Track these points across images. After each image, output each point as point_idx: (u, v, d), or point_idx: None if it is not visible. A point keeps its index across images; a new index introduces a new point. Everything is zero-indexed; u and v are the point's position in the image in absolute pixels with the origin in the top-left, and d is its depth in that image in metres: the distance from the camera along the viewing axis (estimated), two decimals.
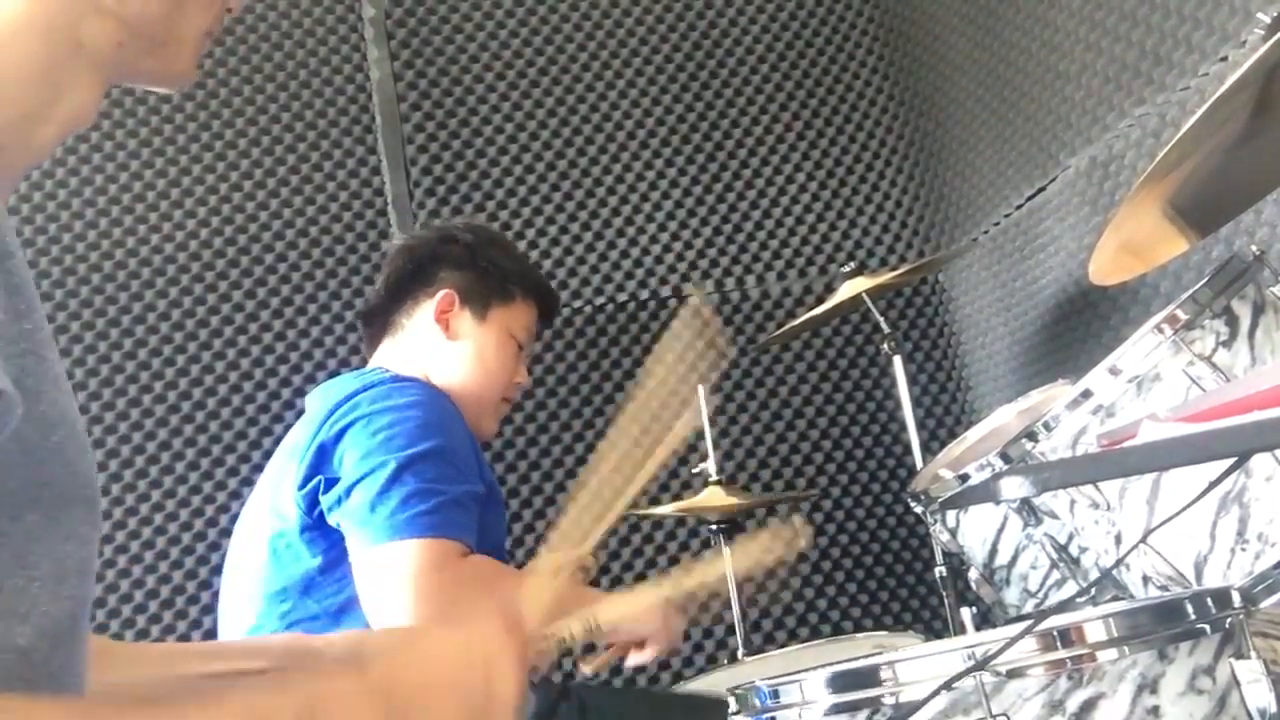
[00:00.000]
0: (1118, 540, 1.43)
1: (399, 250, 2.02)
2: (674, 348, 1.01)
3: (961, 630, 1.79)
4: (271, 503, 1.76)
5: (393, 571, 1.56)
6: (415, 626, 0.89)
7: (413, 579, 1.54)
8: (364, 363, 2.07)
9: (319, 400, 1.84)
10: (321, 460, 1.69)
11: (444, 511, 1.62)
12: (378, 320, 1.99)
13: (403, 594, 1.53)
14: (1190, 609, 1.02)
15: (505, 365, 1.94)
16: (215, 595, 1.99)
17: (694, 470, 2.28)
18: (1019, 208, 2.59)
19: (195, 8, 0.91)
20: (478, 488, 1.72)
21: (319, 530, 1.69)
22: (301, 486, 1.69)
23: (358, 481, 1.63)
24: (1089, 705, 0.98)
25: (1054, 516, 1.55)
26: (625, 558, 2.68)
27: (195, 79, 0.96)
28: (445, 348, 1.91)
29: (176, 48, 0.91)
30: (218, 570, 1.93)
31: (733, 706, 1.17)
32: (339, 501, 1.65)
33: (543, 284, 2.07)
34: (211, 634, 2.27)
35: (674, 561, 2.70)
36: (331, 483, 1.67)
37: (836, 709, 1.06)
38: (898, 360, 2.33)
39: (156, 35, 0.89)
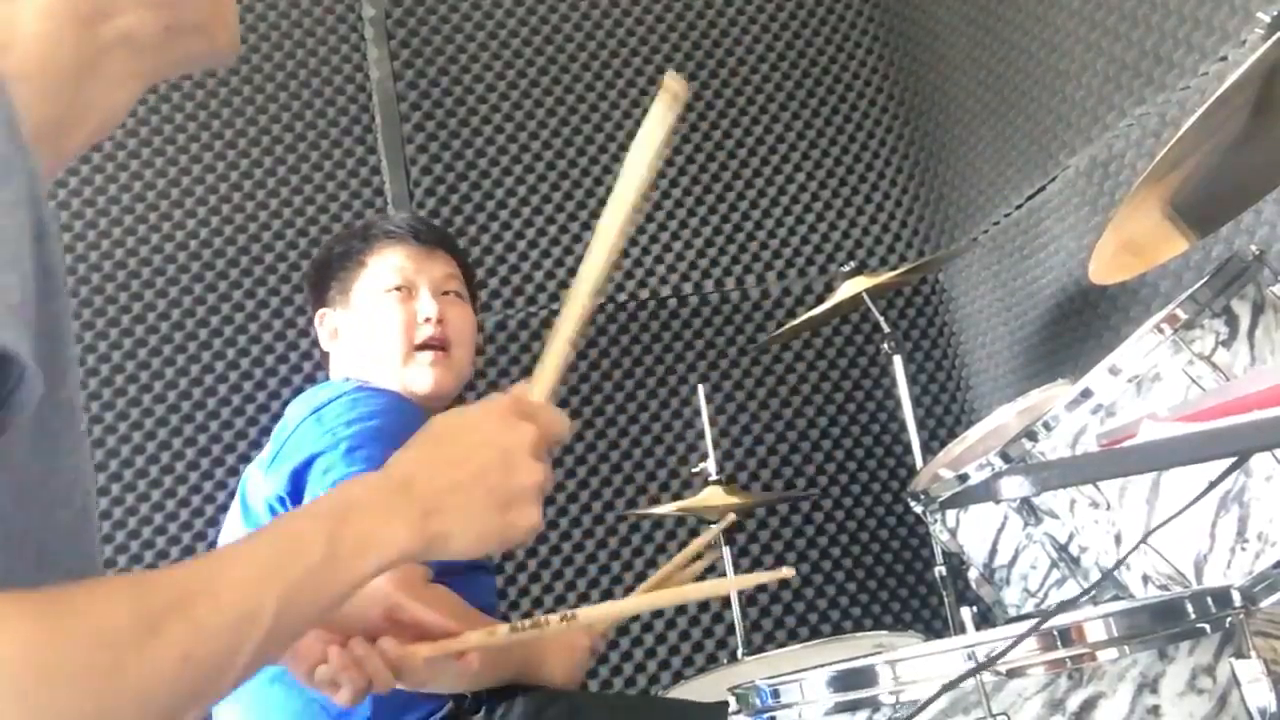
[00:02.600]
0: (1118, 540, 1.43)
1: None
2: (653, 138, 0.98)
3: (961, 630, 1.79)
4: (244, 511, 1.75)
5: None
6: (424, 428, 0.91)
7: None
8: None
9: (291, 411, 1.80)
10: (292, 474, 1.66)
11: None
12: None
13: None
14: (1190, 608, 1.02)
15: (394, 319, 1.81)
16: None
17: (694, 470, 2.28)
18: (1019, 208, 2.59)
19: None
20: None
21: None
22: (273, 500, 1.68)
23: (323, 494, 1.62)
24: (1089, 705, 0.98)
25: (1054, 516, 1.55)
26: (625, 557, 2.68)
27: (240, 48, 0.95)
28: (345, 350, 1.88)
29: (220, 20, 0.90)
30: None
31: (733, 706, 1.17)
32: None
33: (384, 227, 1.90)
34: None
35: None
36: (300, 498, 1.65)
37: (836, 709, 1.06)
38: (898, 360, 2.33)
39: (201, 12, 0.88)
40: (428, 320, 1.81)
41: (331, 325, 1.90)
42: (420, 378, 1.80)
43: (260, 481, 1.73)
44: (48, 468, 0.72)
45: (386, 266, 1.85)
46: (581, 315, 0.98)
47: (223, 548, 0.83)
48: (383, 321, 1.82)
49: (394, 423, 1.67)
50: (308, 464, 1.64)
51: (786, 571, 1.23)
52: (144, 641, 0.64)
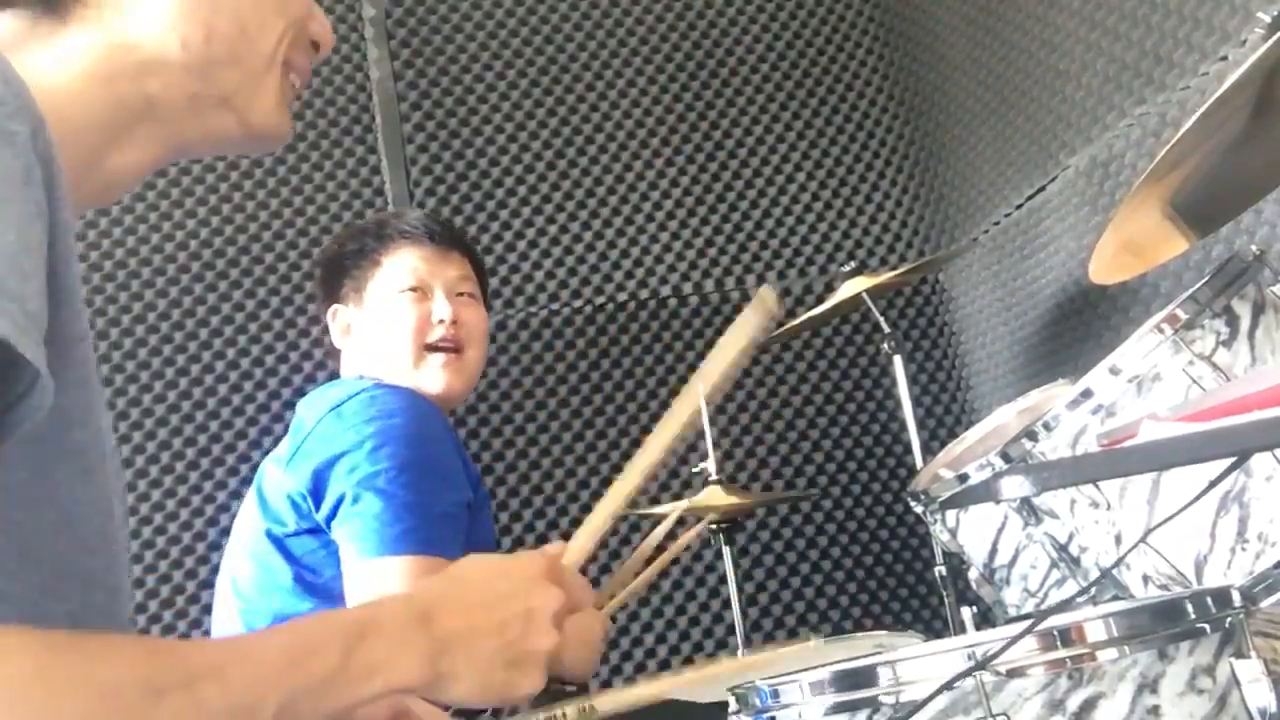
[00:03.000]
0: (1118, 540, 1.43)
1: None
2: (739, 343, 1.02)
3: (961, 630, 1.79)
4: (261, 505, 1.76)
5: (384, 586, 1.56)
6: (457, 565, 0.91)
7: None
8: None
9: (307, 409, 1.83)
10: (314, 472, 1.68)
11: (434, 527, 1.62)
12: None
13: None
14: (1190, 608, 1.02)
15: (407, 319, 1.83)
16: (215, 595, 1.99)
17: (694, 470, 2.28)
18: (1019, 208, 2.59)
19: (264, 33, 0.86)
20: (466, 494, 1.72)
21: (312, 535, 1.69)
22: (295, 495, 1.69)
23: (350, 494, 1.63)
24: (1089, 705, 0.98)
25: (1054, 516, 1.55)
26: (626, 557, 2.67)
27: (289, 131, 0.91)
28: (358, 348, 1.89)
29: (253, 100, 0.87)
30: (218, 570, 1.93)
31: (733, 706, 1.16)
32: (333, 513, 1.65)
33: (404, 221, 1.92)
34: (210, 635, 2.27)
35: (674, 561, 2.69)
36: (322, 495, 1.66)
37: (836, 708, 1.06)
38: (898, 360, 2.33)
39: (231, 86, 0.85)
40: (441, 322, 1.83)
41: (344, 321, 1.91)
42: (431, 380, 1.82)
43: (280, 477, 1.74)
44: (63, 484, 0.72)
45: (402, 267, 1.87)
46: (630, 493, 1.01)
47: (240, 637, 0.83)
48: (396, 322, 1.83)
49: (413, 420, 1.69)
50: (331, 463, 1.65)
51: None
52: (147, 706, 0.63)
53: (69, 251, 0.70)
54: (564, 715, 1.02)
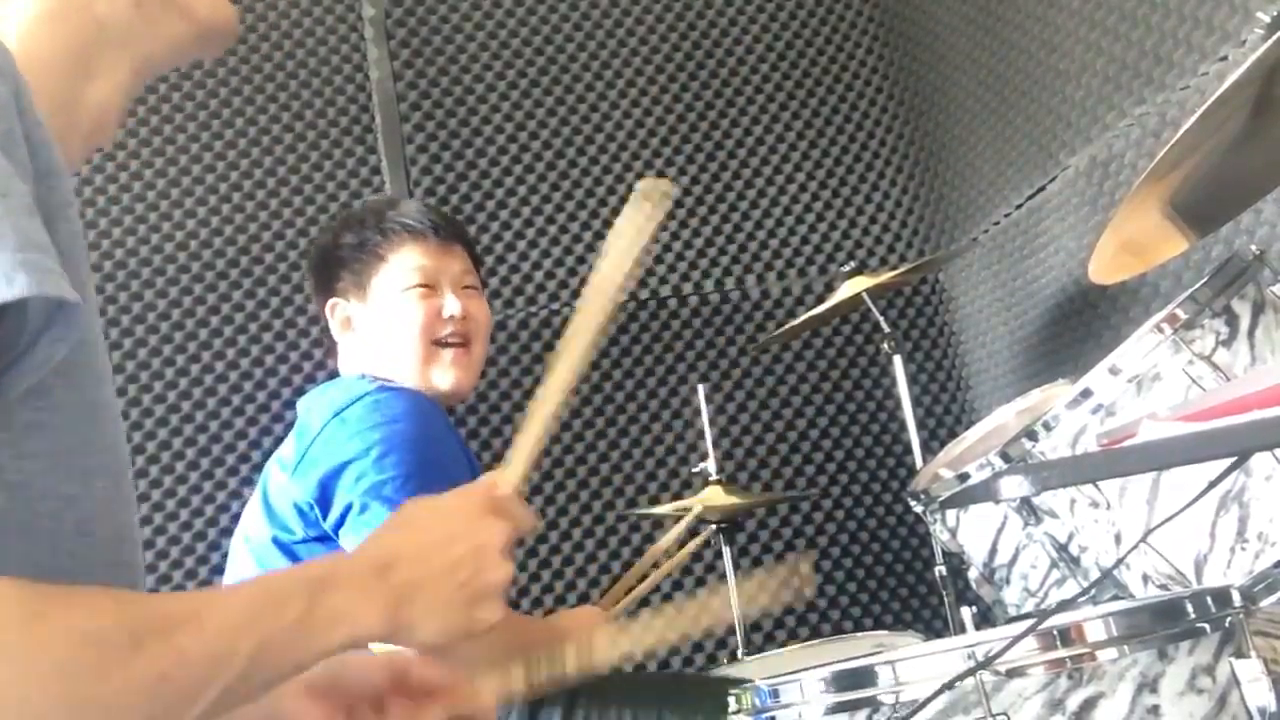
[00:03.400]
0: (1118, 539, 1.43)
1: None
2: (627, 237, 1.05)
3: (961, 630, 1.79)
4: (268, 512, 1.75)
5: None
6: (401, 513, 0.96)
7: None
8: None
9: (308, 411, 1.81)
10: (320, 482, 1.66)
11: None
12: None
13: None
14: (1190, 608, 1.02)
15: (415, 318, 1.82)
16: None
17: (694, 470, 2.28)
18: (1019, 208, 2.59)
19: None
20: None
21: (320, 543, 1.68)
22: (302, 505, 1.68)
23: (357, 504, 1.62)
24: (1089, 704, 0.98)
25: (1054, 516, 1.55)
26: (626, 557, 2.67)
27: (237, 26, 0.94)
28: (360, 344, 1.87)
29: None
30: (218, 570, 1.93)
31: (733, 706, 1.17)
32: (341, 521, 1.65)
33: (408, 217, 1.88)
34: None
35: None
36: (329, 504, 1.65)
37: (836, 708, 1.06)
38: (898, 360, 2.33)
39: None
40: (451, 318, 1.83)
41: (344, 315, 1.88)
42: (443, 377, 1.82)
43: (285, 483, 1.72)
44: (84, 437, 0.75)
45: (408, 265, 1.85)
46: (560, 400, 1.03)
47: (212, 589, 0.87)
48: (404, 320, 1.82)
49: (417, 425, 1.68)
50: (337, 472, 1.63)
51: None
52: (127, 652, 0.66)
53: (65, 207, 0.73)
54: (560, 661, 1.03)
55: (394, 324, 1.83)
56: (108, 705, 0.65)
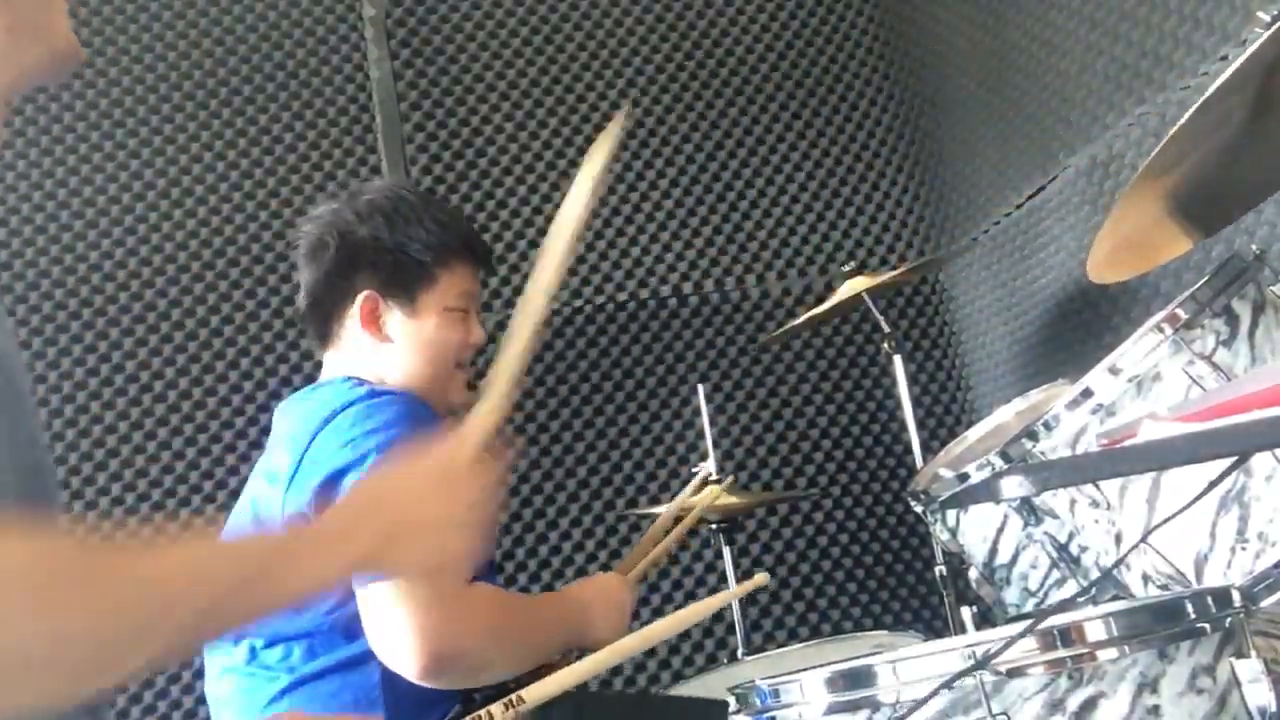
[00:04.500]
0: (1118, 539, 1.42)
1: (307, 257, 1.82)
2: (594, 169, 1.11)
3: (961, 630, 1.79)
4: (258, 519, 1.72)
5: (394, 603, 1.52)
6: (373, 475, 1.04)
7: (413, 608, 1.50)
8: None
9: (294, 420, 1.74)
10: (317, 491, 1.62)
11: None
12: (312, 328, 1.86)
13: (406, 625, 1.49)
14: (1190, 608, 1.02)
15: (450, 342, 1.80)
16: None
17: (694, 470, 2.28)
18: (1019, 207, 2.59)
19: None
20: None
21: None
22: (296, 512, 1.64)
23: None
24: (1089, 704, 0.98)
25: (1054, 516, 1.55)
26: (626, 557, 2.67)
27: (82, 54, 0.97)
28: (384, 350, 1.78)
29: (55, 22, 0.92)
30: None
31: (733, 706, 1.17)
32: None
33: (468, 240, 1.86)
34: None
35: (673, 561, 2.70)
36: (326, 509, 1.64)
37: (836, 708, 1.06)
38: (898, 360, 2.33)
39: (37, 12, 0.90)
40: (472, 344, 1.86)
41: (387, 320, 1.79)
42: (459, 394, 1.85)
43: (277, 499, 1.67)
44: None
45: (459, 285, 1.83)
46: (534, 333, 1.11)
47: (185, 535, 0.98)
48: (445, 344, 1.81)
49: (413, 430, 1.65)
50: (334, 479, 1.59)
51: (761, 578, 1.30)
52: (88, 571, 0.72)
53: None
54: (489, 715, 1.03)
55: (431, 342, 1.79)
56: (68, 621, 0.70)
